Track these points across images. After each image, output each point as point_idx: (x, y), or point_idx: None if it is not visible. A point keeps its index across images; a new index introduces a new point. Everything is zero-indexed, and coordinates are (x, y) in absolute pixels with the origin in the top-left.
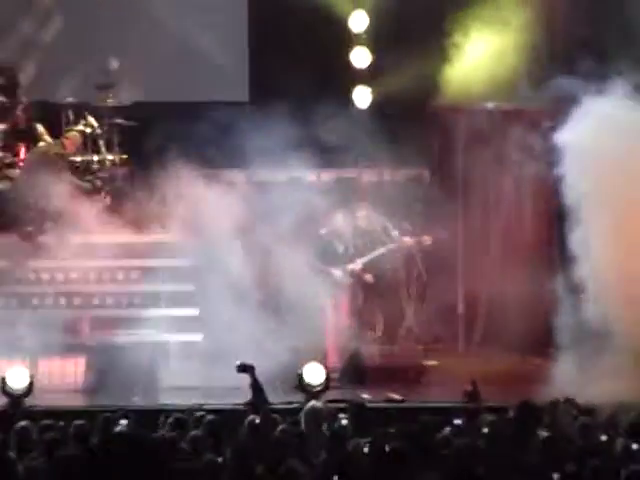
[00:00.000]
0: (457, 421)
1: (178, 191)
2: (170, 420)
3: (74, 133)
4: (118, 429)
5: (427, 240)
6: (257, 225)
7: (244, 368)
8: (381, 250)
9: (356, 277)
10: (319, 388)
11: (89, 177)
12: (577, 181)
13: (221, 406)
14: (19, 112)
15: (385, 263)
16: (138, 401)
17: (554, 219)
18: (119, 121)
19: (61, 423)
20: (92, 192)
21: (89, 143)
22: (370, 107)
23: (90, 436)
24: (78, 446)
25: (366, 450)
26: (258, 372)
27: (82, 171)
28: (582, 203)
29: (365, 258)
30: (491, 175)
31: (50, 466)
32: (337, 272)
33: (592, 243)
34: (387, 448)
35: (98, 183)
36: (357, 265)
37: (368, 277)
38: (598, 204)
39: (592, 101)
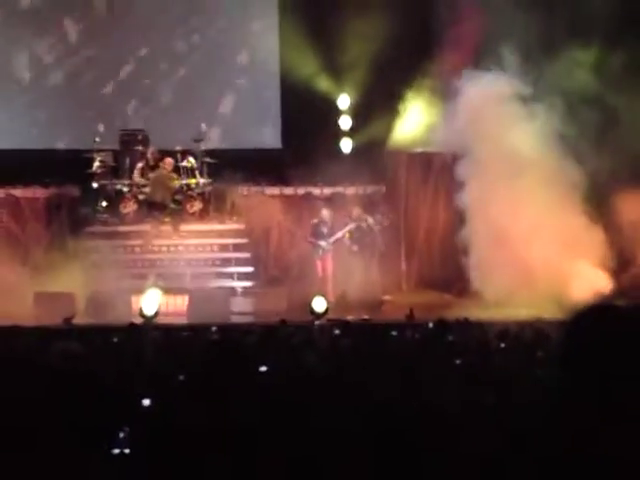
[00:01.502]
0: (394, 333)
1: (241, 199)
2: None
3: (168, 159)
4: (211, 337)
5: (385, 222)
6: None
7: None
8: (347, 228)
9: (337, 245)
10: (322, 312)
11: (180, 195)
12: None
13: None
14: (149, 155)
15: (359, 237)
16: (219, 320)
17: (457, 214)
18: (206, 160)
19: (175, 334)
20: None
21: (189, 172)
22: (351, 151)
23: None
24: (189, 347)
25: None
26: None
27: (181, 190)
28: (469, 176)
29: (339, 233)
30: (420, 186)
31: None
32: (323, 243)
33: (474, 210)
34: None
35: (193, 195)
36: (336, 237)
37: (350, 245)
38: (479, 174)
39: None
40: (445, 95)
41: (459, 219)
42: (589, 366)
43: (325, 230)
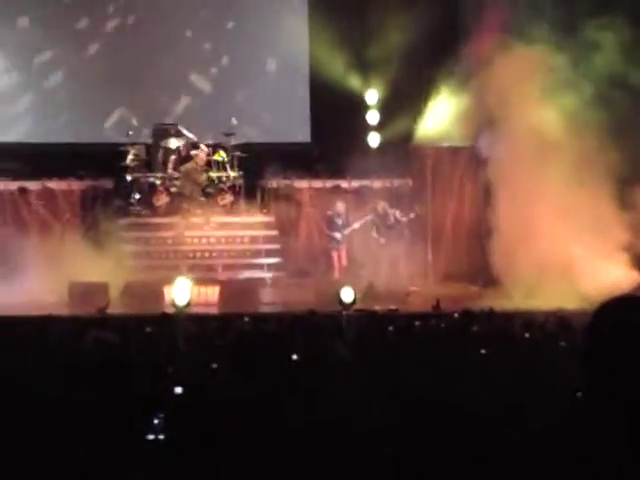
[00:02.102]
0: (417, 323)
1: (270, 192)
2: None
3: (201, 154)
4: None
5: (412, 215)
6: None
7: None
8: (363, 220)
9: (363, 236)
10: (350, 303)
11: (212, 188)
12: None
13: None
14: (181, 148)
15: (385, 229)
16: (249, 310)
17: (481, 196)
18: (237, 154)
19: (207, 323)
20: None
21: (220, 166)
22: (378, 146)
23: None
24: (221, 336)
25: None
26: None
27: (212, 183)
28: (495, 152)
29: (355, 225)
30: (446, 179)
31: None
32: (337, 235)
33: (498, 200)
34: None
35: (224, 188)
36: (351, 229)
37: (377, 237)
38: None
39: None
40: (474, 75)
41: (484, 199)
42: (611, 359)
43: (340, 222)
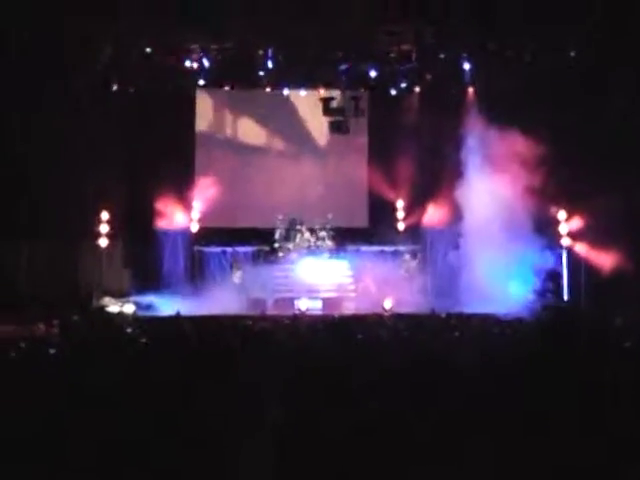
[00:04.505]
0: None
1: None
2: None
3: (309, 231)
4: (334, 320)
5: (420, 262)
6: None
7: None
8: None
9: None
10: (389, 309)
11: (318, 250)
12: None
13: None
14: (302, 229)
15: (407, 269)
16: (337, 312)
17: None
18: (330, 232)
19: (316, 319)
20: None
21: (322, 239)
22: (403, 229)
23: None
24: (322, 323)
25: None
26: None
27: (317, 247)
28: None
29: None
30: (435, 246)
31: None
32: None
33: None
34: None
35: (324, 249)
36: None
37: (403, 273)
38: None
39: None
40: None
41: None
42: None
43: (378, 269)
